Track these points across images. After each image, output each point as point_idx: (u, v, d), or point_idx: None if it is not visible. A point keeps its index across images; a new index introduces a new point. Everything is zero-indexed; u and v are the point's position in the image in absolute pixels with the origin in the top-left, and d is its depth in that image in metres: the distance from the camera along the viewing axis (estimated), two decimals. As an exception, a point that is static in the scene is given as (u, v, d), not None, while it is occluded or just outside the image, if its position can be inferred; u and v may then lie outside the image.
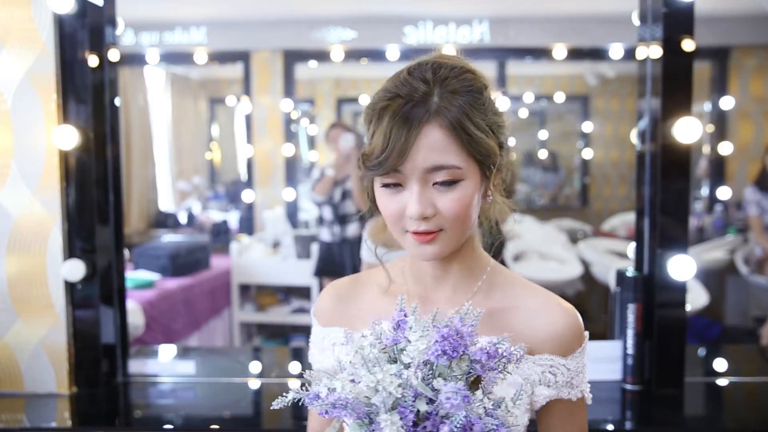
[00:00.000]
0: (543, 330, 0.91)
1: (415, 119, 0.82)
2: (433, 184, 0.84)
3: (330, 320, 1.02)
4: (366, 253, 2.84)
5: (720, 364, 2.04)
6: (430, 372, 0.72)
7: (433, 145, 0.82)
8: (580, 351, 0.93)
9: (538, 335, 0.90)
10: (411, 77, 0.85)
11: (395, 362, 0.74)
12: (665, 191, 1.68)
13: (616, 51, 4.22)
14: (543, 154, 5.77)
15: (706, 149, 4.81)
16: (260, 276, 4.27)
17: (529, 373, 0.90)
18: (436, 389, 0.70)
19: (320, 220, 3.89)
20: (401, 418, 0.68)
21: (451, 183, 0.84)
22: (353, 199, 3.70)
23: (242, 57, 4.66)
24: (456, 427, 0.68)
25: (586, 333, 0.95)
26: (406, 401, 0.70)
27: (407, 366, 0.72)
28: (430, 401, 0.70)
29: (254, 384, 1.84)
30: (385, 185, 0.87)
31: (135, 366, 1.86)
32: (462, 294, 0.95)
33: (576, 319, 0.93)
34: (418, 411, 0.69)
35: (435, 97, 0.83)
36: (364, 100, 5.35)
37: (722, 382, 1.85)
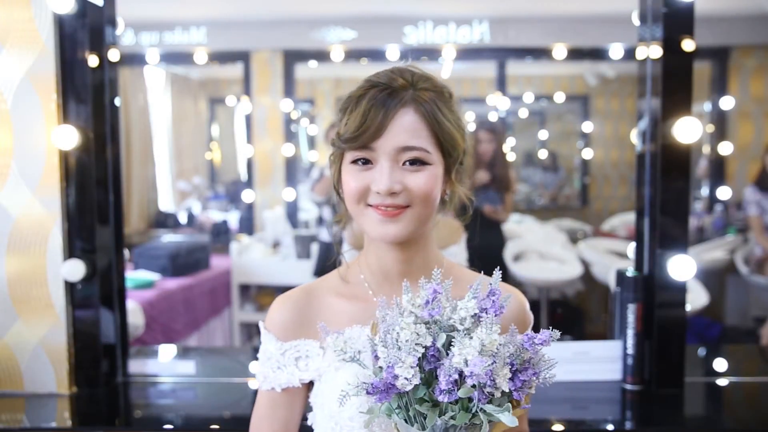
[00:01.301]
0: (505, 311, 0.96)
1: (391, 103, 0.90)
2: (403, 163, 0.90)
3: (290, 334, 1.00)
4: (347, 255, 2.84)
5: (720, 364, 2.04)
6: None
7: (407, 127, 0.90)
8: (530, 328, 1.03)
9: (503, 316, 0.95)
10: (390, 72, 0.93)
11: (442, 331, 0.79)
12: (665, 191, 1.68)
13: (616, 51, 4.22)
14: (543, 154, 5.77)
15: (706, 149, 4.81)
16: (260, 276, 4.27)
17: None
18: (502, 344, 0.76)
19: (320, 220, 3.90)
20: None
21: (420, 163, 0.91)
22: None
23: (242, 57, 4.66)
24: (539, 370, 0.76)
25: (531, 313, 1.05)
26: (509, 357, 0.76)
27: (467, 330, 0.77)
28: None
29: (254, 384, 1.83)
30: (355, 162, 0.92)
31: (135, 366, 1.86)
32: None
33: (524, 299, 1.04)
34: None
35: (410, 90, 0.92)
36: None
37: (722, 382, 1.85)
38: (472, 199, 1.03)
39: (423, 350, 0.76)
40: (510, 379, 0.75)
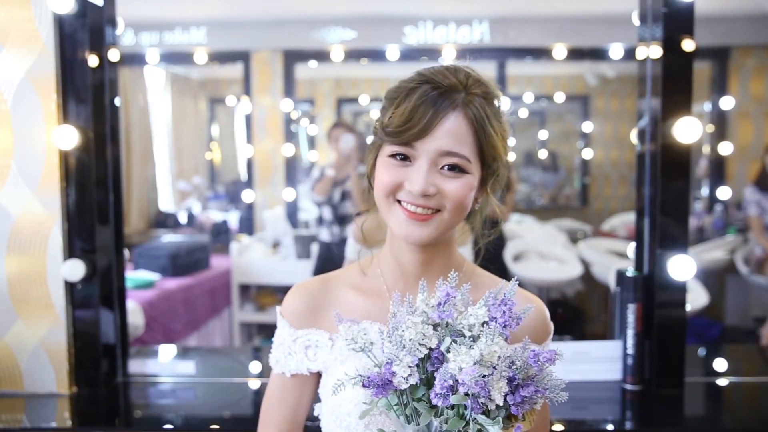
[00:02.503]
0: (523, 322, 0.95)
1: (442, 104, 0.87)
2: (441, 167, 0.89)
3: (303, 322, 1.01)
4: (350, 251, 2.84)
5: (720, 364, 2.04)
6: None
7: (453, 132, 0.87)
8: (550, 340, 1.00)
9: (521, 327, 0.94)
10: (445, 70, 0.91)
11: (447, 336, 0.78)
12: (665, 191, 1.68)
13: (616, 51, 4.22)
14: (543, 154, 5.77)
15: (706, 149, 4.81)
16: (260, 276, 4.27)
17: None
18: (508, 356, 0.76)
19: (320, 220, 3.89)
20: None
21: (458, 170, 0.89)
22: (353, 199, 3.70)
23: (242, 57, 4.66)
24: (543, 388, 0.75)
25: (551, 323, 1.01)
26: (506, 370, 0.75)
27: (473, 337, 0.76)
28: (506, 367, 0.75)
29: (254, 384, 1.83)
30: (393, 156, 0.90)
31: (135, 366, 1.86)
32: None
33: (545, 309, 1.00)
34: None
35: (462, 93, 0.89)
36: (364, 100, 5.35)
37: (722, 382, 1.85)
38: (504, 211, 1.02)
39: (427, 351, 0.76)
40: (511, 392, 0.74)
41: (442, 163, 0.88)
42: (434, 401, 0.74)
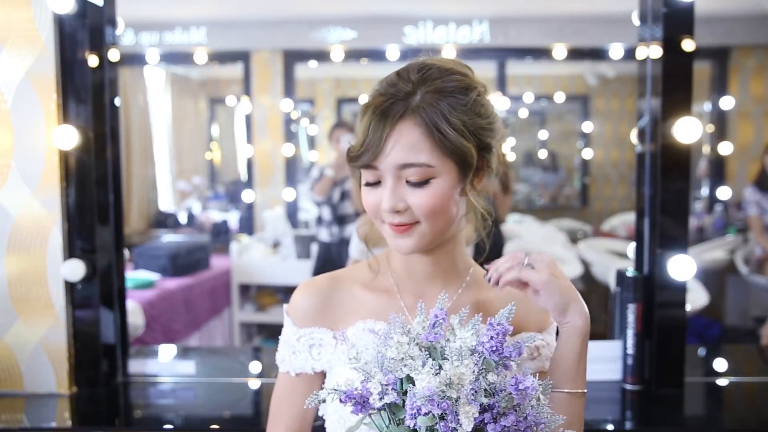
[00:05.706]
0: (522, 311, 0.96)
1: (390, 115, 0.85)
2: (406, 180, 0.87)
3: (308, 321, 1.00)
4: (353, 250, 2.84)
5: (720, 364, 2.04)
6: (483, 367, 0.75)
7: (406, 142, 0.85)
8: (552, 327, 1.01)
9: (518, 317, 0.94)
10: (398, 78, 0.89)
11: (430, 357, 0.77)
12: (665, 191, 1.68)
13: (616, 51, 4.22)
14: (543, 154, 5.77)
15: (706, 149, 4.81)
16: (260, 276, 4.27)
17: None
18: (492, 383, 0.74)
19: (319, 220, 3.90)
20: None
21: (422, 182, 0.87)
22: (352, 199, 3.70)
23: (242, 57, 4.66)
24: (521, 418, 0.72)
25: None
26: (474, 394, 0.73)
27: (457, 361, 0.75)
28: (489, 394, 0.74)
29: (254, 384, 1.83)
30: (367, 183, 0.91)
31: (135, 366, 1.86)
32: (452, 290, 0.98)
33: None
34: (480, 403, 0.73)
35: (417, 96, 0.86)
36: (364, 100, 5.34)
37: (722, 382, 1.85)
38: (491, 211, 0.99)
39: (408, 372, 0.74)
40: (493, 421, 0.72)
41: (405, 177, 0.87)
42: (407, 422, 0.73)
